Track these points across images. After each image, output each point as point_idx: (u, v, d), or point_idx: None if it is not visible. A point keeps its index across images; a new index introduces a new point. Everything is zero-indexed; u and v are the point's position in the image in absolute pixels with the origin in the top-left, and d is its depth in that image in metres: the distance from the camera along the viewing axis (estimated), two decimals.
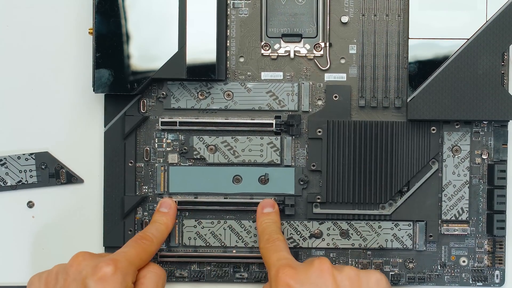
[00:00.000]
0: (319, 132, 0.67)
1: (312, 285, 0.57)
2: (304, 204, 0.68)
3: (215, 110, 0.68)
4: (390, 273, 0.68)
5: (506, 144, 0.68)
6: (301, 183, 0.68)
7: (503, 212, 0.67)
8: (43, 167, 0.69)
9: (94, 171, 0.69)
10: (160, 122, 0.68)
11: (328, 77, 0.68)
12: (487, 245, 0.68)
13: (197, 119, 0.68)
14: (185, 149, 0.68)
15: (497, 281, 0.68)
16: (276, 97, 0.68)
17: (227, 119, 0.68)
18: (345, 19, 0.67)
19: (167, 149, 0.68)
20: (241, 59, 0.68)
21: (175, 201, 0.67)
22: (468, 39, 0.65)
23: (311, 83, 0.68)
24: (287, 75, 0.68)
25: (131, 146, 0.68)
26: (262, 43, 0.68)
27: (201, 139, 0.68)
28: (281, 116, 0.68)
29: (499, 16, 0.65)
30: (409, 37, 0.65)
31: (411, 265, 0.68)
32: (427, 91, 0.65)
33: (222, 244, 0.68)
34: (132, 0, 0.65)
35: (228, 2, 0.68)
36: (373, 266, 0.68)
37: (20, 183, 0.69)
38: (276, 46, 0.68)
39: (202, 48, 0.66)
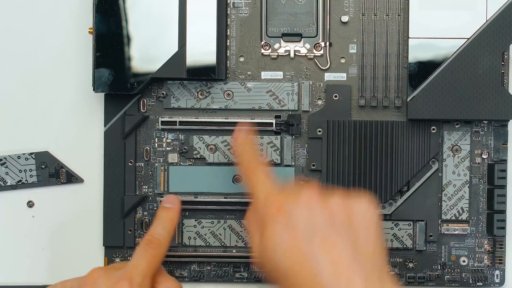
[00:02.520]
0: (319, 131, 0.67)
1: (303, 207, 0.56)
2: None
3: (215, 110, 0.68)
4: (390, 273, 0.68)
5: (506, 144, 0.68)
6: (301, 183, 0.68)
7: (503, 212, 0.67)
8: (43, 166, 0.69)
9: (94, 171, 0.69)
10: (160, 122, 0.68)
11: (328, 76, 0.68)
12: (487, 245, 0.68)
13: (197, 118, 0.68)
14: (185, 148, 0.68)
15: (497, 281, 0.68)
16: (276, 96, 0.68)
17: (227, 119, 0.68)
18: (345, 18, 0.67)
19: (167, 148, 0.68)
20: (241, 59, 0.68)
21: (178, 198, 0.67)
22: (468, 39, 0.65)
23: (311, 82, 0.68)
24: (287, 74, 0.68)
25: (131, 146, 0.68)
26: (262, 42, 0.68)
27: (201, 139, 0.68)
28: (281, 116, 0.68)
29: (499, 16, 0.65)
30: (409, 36, 0.65)
31: (411, 265, 0.68)
32: (427, 90, 0.65)
33: (222, 244, 0.68)
34: None
35: (228, 1, 0.68)
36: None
37: (20, 183, 0.69)
38: (276, 45, 0.68)
39: (202, 47, 0.66)
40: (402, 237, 0.68)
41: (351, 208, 0.56)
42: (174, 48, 0.66)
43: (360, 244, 0.55)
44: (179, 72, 0.66)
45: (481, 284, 0.68)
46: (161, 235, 0.63)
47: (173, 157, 0.68)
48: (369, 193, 0.58)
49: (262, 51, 0.68)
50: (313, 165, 0.67)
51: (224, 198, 0.68)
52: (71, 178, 0.69)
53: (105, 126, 0.68)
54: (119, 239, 0.68)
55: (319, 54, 0.68)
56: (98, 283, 0.58)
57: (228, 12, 0.68)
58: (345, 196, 0.57)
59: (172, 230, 0.64)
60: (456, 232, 0.68)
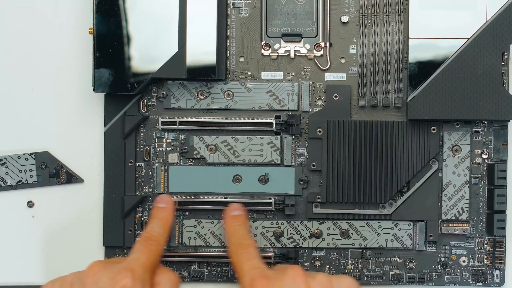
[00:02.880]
0: (319, 132, 0.67)
1: None
2: (304, 204, 0.68)
3: (215, 110, 0.68)
4: (390, 273, 0.68)
5: (506, 144, 0.68)
6: (301, 183, 0.68)
7: (503, 212, 0.67)
8: (43, 167, 0.69)
9: (94, 171, 0.69)
10: (160, 122, 0.68)
11: (328, 76, 0.68)
12: (487, 245, 0.68)
13: (197, 118, 0.68)
14: (185, 148, 0.68)
15: (497, 281, 0.68)
16: (276, 96, 0.68)
17: (227, 119, 0.68)
18: (345, 18, 0.67)
19: (167, 148, 0.68)
20: (241, 59, 0.68)
21: (172, 197, 0.67)
22: (468, 39, 0.65)
23: (311, 82, 0.68)
24: (287, 75, 0.68)
25: (131, 146, 0.68)
26: (262, 42, 0.68)
27: (201, 139, 0.68)
28: (281, 116, 0.68)
29: (499, 16, 0.65)
30: (409, 37, 0.65)
31: (411, 265, 0.68)
32: (427, 91, 0.65)
33: (222, 244, 0.68)
34: None
35: (228, 2, 0.68)
36: (373, 266, 0.68)
37: (20, 183, 0.69)
38: (276, 45, 0.68)
39: (202, 47, 0.66)
40: (402, 237, 0.68)
41: (334, 287, 0.58)
42: (174, 48, 0.66)
43: None
44: (179, 72, 0.66)
45: (481, 284, 0.68)
46: (157, 232, 0.63)
47: (173, 157, 0.68)
48: (350, 277, 0.60)
49: (262, 51, 0.68)
50: (313, 165, 0.67)
51: (224, 198, 0.68)
52: (71, 178, 0.69)
53: (105, 126, 0.68)
54: (119, 239, 0.68)
55: (319, 54, 0.68)
56: (99, 276, 0.58)
57: (228, 12, 0.68)
58: (328, 277, 0.59)
59: (168, 229, 0.65)
60: (456, 232, 0.68)
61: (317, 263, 0.68)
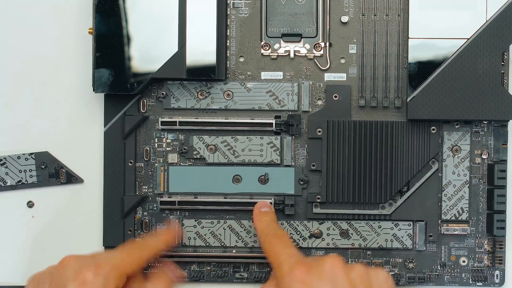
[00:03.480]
0: (319, 132, 0.67)
1: (327, 281, 0.57)
2: (304, 204, 0.68)
3: (215, 110, 0.68)
4: (390, 273, 0.68)
5: (506, 144, 0.68)
6: (301, 183, 0.68)
7: (503, 212, 0.67)
8: (43, 167, 0.69)
9: (94, 171, 0.69)
10: (160, 122, 0.68)
11: (328, 77, 0.68)
12: (487, 245, 0.68)
13: (197, 119, 0.68)
14: (185, 149, 0.68)
15: (497, 281, 0.68)
16: (276, 97, 0.68)
17: (227, 119, 0.68)
18: (345, 19, 0.67)
19: (167, 149, 0.68)
20: (241, 59, 0.68)
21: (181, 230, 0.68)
22: (468, 39, 0.65)
23: (311, 83, 0.68)
24: (287, 75, 0.68)
25: (131, 146, 0.68)
26: (262, 43, 0.68)
27: (201, 139, 0.68)
28: (281, 116, 0.68)
29: (499, 16, 0.65)
30: (409, 37, 0.65)
31: (411, 265, 0.68)
32: (427, 91, 0.65)
33: (222, 244, 0.68)
34: None
35: (228, 2, 0.68)
36: (373, 266, 0.68)
37: (20, 183, 0.69)
38: (276, 46, 0.68)
39: (202, 48, 0.66)
40: (402, 237, 0.68)
41: (372, 279, 0.58)
42: (174, 48, 0.66)
43: None
44: (179, 72, 0.66)
45: (481, 284, 0.68)
46: (147, 242, 0.64)
47: (173, 157, 0.68)
48: (386, 271, 0.61)
49: (262, 51, 0.68)
50: (313, 165, 0.67)
51: (224, 198, 0.68)
52: (71, 178, 0.69)
53: (105, 126, 0.68)
54: (119, 239, 0.68)
55: (319, 54, 0.68)
56: (66, 269, 0.59)
57: (228, 12, 0.68)
58: (366, 269, 0.59)
59: (161, 245, 0.65)
60: (456, 232, 0.68)
61: None
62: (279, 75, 0.68)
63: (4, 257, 0.70)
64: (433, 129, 0.67)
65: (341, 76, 0.68)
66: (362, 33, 0.67)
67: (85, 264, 0.59)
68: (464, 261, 0.68)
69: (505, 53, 0.67)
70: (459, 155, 0.67)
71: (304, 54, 0.68)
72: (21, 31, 0.69)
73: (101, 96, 0.68)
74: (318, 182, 0.68)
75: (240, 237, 0.68)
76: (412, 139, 0.67)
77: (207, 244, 0.68)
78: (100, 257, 0.60)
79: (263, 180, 0.68)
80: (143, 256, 0.62)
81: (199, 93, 0.68)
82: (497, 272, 0.68)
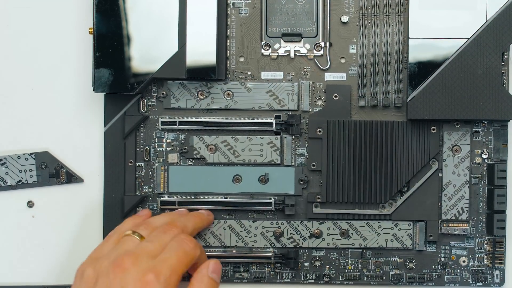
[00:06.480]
0: (319, 131, 0.67)
1: None
2: (304, 204, 0.68)
3: (215, 110, 0.68)
4: (390, 273, 0.68)
5: (506, 144, 0.68)
6: (301, 183, 0.68)
7: (503, 212, 0.67)
8: (43, 166, 0.69)
9: (94, 171, 0.69)
10: (160, 122, 0.68)
11: (328, 76, 0.68)
12: (487, 245, 0.68)
13: (197, 118, 0.68)
14: (185, 148, 0.68)
15: (497, 281, 0.68)
16: (276, 96, 0.68)
17: (227, 119, 0.68)
18: (345, 18, 0.67)
19: (167, 148, 0.68)
20: (241, 59, 0.68)
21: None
22: (468, 39, 0.65)
23: (311, 82, 0.68)
24: (287, 74, 0.68)
25: (131, 146, 0.68)
26: (262, 42, 0.68)
27: (201, 139, 0.68)
28: (281, 116, 0.68)
29: (499, 16, 0.65)
30: (409, 36, 0.65)
31: (411, 265, 0.68)
32: (427, 90, 0.65)
33: (222, 244, 0.68)
34: None
35: (228, 1, 0.68)
36: (373, 266, 0.68)
37: (20, 183, 0.69)
38: (276, 45, 0.68)
39: (202, 47, 0.66)
40: (402, 237, 0.68)
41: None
42: (174, 48, 0.66)
43: None
44: (179, 72, 0.66)
45: (481, 284, 0.68)
46: (191, 229, 0.65)
47: (173, 157, 0.68)
48: None
49: (262, 51, 0.68)
50: (313, 165, 0.67)
51: (224, 198, 0.68)
52: (71, 178, 0.69)
53: (105, 126, 0.68)
54: None
55: (319, 54, 0.68)
56: (126, 274, 0.58)
57: (228, 12, 0.68)
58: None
59: (197, 230, 0.66)
60: (456, 232, 0.68)
61: (317, 263, 0.68)
62: (279, 75, 0.68)
63: (4, 257, 0.70)
64: (433, 129, 0.67)
65: (341, 76, 0.68)
66: (362, 33, 0.67)
67: (147, 269, 0.58)
68: (464, 261, 0.68)
69: (505, 53, 0.67)
70: (459, 155, 0.67)
71: (304, 54, 0.68)
72: (21, 31, 0.69)
73: (101, 96, 0.68)
74: (318, 182, 0.68)
75: (240, 237, 0.68)
76: (412, 139, 0.67)
77: (207, 244, 0.68)
78: (159, 261, 0.59)
79: (263, 180, 0.68)
80: (197, 253, 0.61)
81: (199, 93, 0.68)
82: (497, 272, 0.68)
